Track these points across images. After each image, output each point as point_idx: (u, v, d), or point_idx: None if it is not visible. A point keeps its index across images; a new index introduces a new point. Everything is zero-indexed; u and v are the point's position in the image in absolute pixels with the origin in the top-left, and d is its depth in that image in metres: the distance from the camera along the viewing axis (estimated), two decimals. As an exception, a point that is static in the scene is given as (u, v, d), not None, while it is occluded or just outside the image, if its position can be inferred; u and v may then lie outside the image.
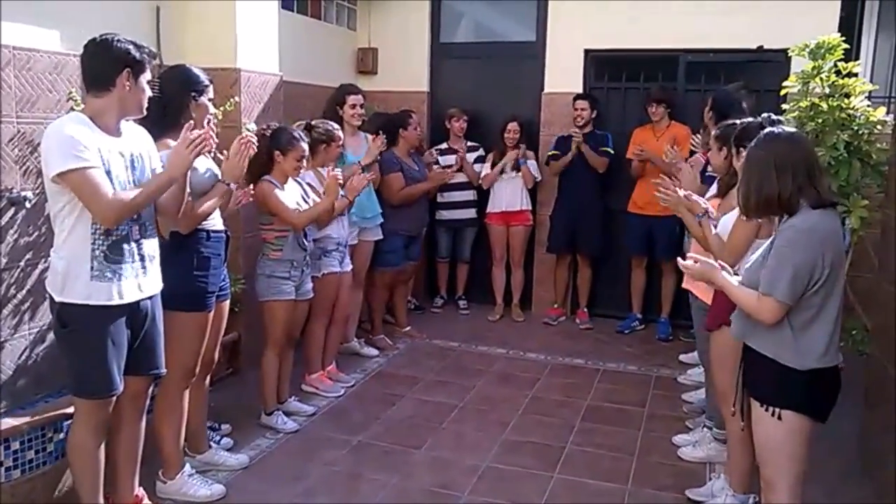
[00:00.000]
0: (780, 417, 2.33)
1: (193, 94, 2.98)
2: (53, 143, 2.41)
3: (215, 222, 3.10)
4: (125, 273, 2.56)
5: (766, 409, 2.36)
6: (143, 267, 2.64)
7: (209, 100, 3.07)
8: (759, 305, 2.31)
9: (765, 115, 2.95)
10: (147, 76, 2.59)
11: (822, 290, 2.28)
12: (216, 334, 3.27)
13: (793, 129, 2.45)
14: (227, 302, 3.32)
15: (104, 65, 2.50)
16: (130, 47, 2.52)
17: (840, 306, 2.36)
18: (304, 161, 3.78)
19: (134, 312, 2.62)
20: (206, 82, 3.05)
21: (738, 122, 3.10)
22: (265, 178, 3.71)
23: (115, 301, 2.53)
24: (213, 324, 3.16)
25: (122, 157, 2.56)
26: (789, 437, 2.35)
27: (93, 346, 2.53)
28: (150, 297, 2.68)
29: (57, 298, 2.52)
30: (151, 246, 2.69)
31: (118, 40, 2.51)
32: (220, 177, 3.07)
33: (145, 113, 2.65)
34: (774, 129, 2.44)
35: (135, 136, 2.66)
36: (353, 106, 4.75)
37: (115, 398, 2.64)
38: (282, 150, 3.70)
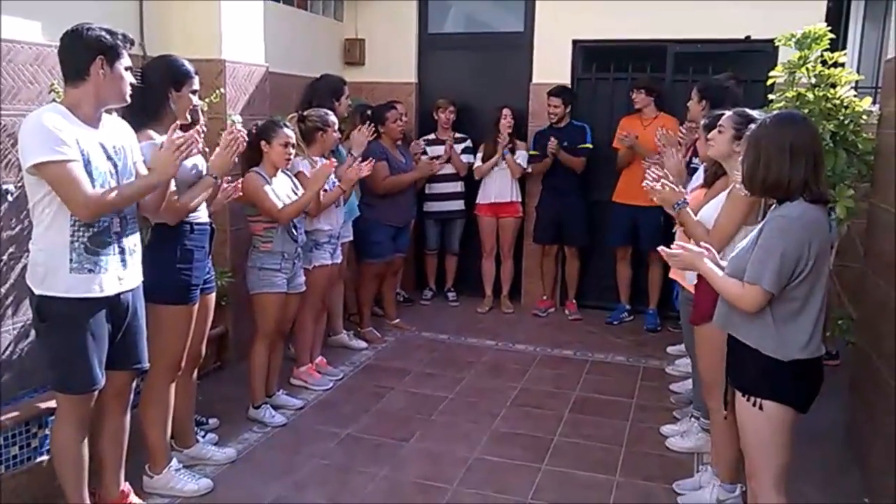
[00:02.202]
0: (761, 407, 2.34)
1: (173, 85, 2.94)
2: (31, 133, 2.38)
3: (200, 215, 3.07)
4: (105, 265, 2.53)
5: (749, 400, 2.37)
6: (123, 260, 2.61)
7: (193, 92, 3.03)
8: (742, 293, 2.31)
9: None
10: (124, 62, 2.54)
11: (807, 282, 2.28)
12: (202, 327, 3.25)
13: (804, 114, 2.42)
14: (213, 295, 3.30)
15: (77, 54, 2.47)
16: (103, 34, 2.48)
17: (824, 299, 2.36)
18: (291, 147, 3.76)
19: (114, 306, 2.59)
20: (189, 74, 3.01)
21: (730, 111, 3.08)
22: (252, 169, 3.69)
23: (95, 294, 2.50)
24: (199, 317, 3.14)
25: (103, 148, 2.53)
26: (771, 427, 2.35)
27: (73, 341, 2.50)
28: (130, 290, 2.65)
29: (36, 291, 2.49)
30: (132, 239, 2.66)
31: (89, 28, 2.47)
32: (205, 171, 3.04)
33: (128, 100, 2.60)
34: (790, 111, 2.42)
35: (115, 128, 2.63)
36: (347, 97, 4.74)
37: (96, 393, 2.62)
38: (266, 139, 3.69)
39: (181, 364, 3.09)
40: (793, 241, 2.24)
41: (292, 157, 3.81)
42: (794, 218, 2.27)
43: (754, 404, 2.35)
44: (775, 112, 2.44)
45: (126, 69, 2.55)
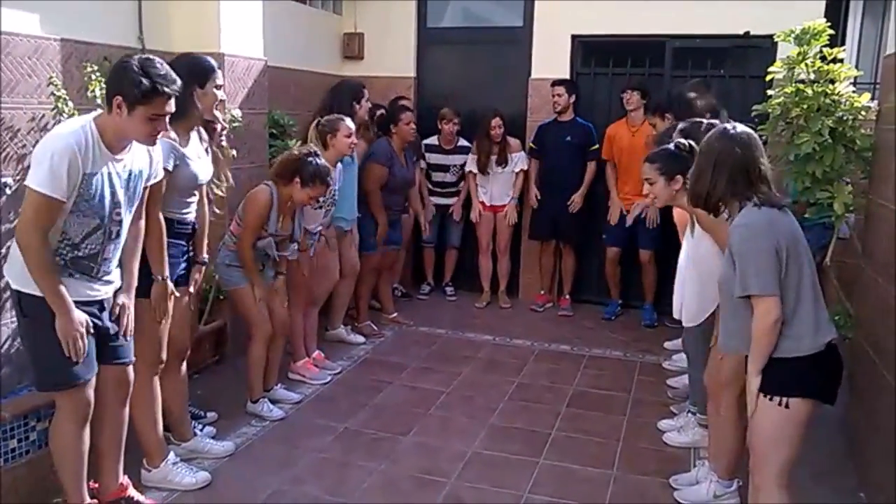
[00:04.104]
0: (787, 406, 2.32)
1: (197, 83, 2.95)
2: (45, 154, 2.35)
3: (189, 211, 3.07)
4: (83, 279, 2.53)
5: (772, 399, 2.34)
6: (103, 280, 2.59)
7: (217, 87, 3.04)
8: (756, 316, 2.30)
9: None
10: (151, 110, 2.42)
11: (791, 276, 2.29)
12: (181, 321, 3.18)
13: (747, 130, 2.46)
14: (190, 289, 3.25)
15: (109, 82, 2.47)
16: (137, 78, 2.38)
17: (816, 285, 2.37)
18: (312, 200, 3.77)
19: (98, 304, 2.59)
20: (212, 69, 3.02)
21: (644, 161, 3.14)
22: (269, 184, 3.68)
23: (73, 297, 2.48)
24: (177, 311, 3.08)
25: (119, 176, 2.51)
26: (792, 424, 2.34)
27: (53, 336, 2.46)
28: (106, 297, 2.64)
29: (13, 286, 2.49)
30: (116, 261, 2.64)
31: (126, 64, 2.42)
32: (199, 179, 3.02)
33: (155, 144, 2.58)
34: (730, 127, 2.47)
35: (139, 151, 2.60)
36: (367, 100, 4.77)
37: (92, 388, 2.60)
38: (302, 181, 3.66)
39: (161, 356, 3.04)
40: (760, 241, 2.28)
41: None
42: (748, 223, 2.32)
43: (779, 403, 2.34)
44: (723, 127, 2.50)
45: (153, 116, 2.45)
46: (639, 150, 5.33)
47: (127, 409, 2.85)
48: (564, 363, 4.84)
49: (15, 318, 3.20)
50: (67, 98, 3.30)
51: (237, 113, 4.17)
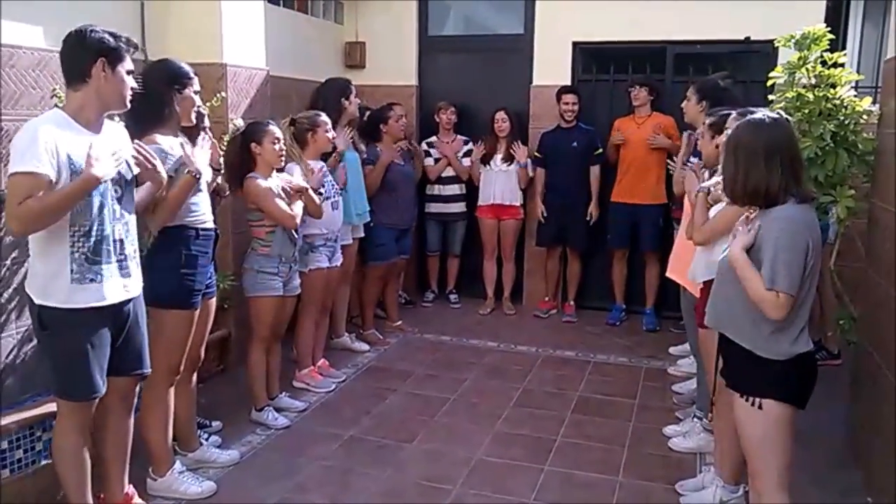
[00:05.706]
0: (760, 406, 2.34)
1: (176, 87, 2.96)
2: (21, 141, 2.35)
3: (206, 220, 3.08)
4: (106, 274, 2.53)
5: (747, 400, 2.37)
6: (125, 267, 2.60)
7: (195, 92, 3.06)
8: (766, 302, 2.27)
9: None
10: (126, 66, 2.53)
11: (806, 282, 2.29)
12: (202, 331, 3.25)
13: (778, 116, 2.43)
14: (214, 299, 3.31)
15: (79, 56, 2.45)
16: (105, 36, 2.46)
17: (813, 297, 2.38)
18: (282, 144, 3.75)
19: (116, 313, 2.59)
20: (189, 75, 3.03)
21: (731, 110, 3.08)
22: (250, 175, 3.68)
23: (98, 303, 2.49)
24: (200, 321, 3.14)
25: (106, 153, 2.52)
26: (771, 426, 2.35)
27: (74, 349, 2.49)
28: (133, 298, 2.65)
29: (36, 301, 2.48)
30: (132, 245, 2.66)
31: (93, 30, 2.46)
32: (188, 169, 3.04)
33: (129, 105, 2.59)
34: (762, 114, 2.41)
35: (115, 134, 2.63)
36: (356, 96, 4.76)
37: (97, 399, 2.61)
38: (257, 140, 3.67)
39: (181, 368, 3.10)
40: (799, 239, 2.25)
41: (284, 153, 3.79)
42: (791, 219, 2.27)
43: (753, 404, 2.35)
44: (749, 117, 2.44)
45: (128, 73, 2.54)
46: (643, 142, 5.37)
47: (132, 419, 2.86)
48: (569, 369, 4.84)
49: (18, 329, 3.24)
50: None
51: (239, 122, 4.18)
